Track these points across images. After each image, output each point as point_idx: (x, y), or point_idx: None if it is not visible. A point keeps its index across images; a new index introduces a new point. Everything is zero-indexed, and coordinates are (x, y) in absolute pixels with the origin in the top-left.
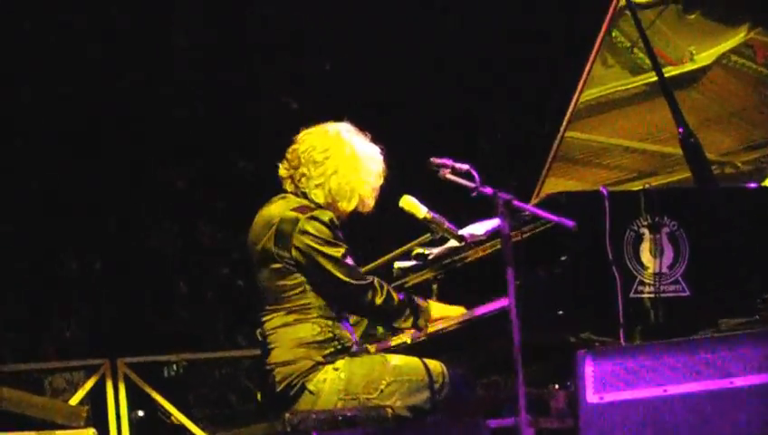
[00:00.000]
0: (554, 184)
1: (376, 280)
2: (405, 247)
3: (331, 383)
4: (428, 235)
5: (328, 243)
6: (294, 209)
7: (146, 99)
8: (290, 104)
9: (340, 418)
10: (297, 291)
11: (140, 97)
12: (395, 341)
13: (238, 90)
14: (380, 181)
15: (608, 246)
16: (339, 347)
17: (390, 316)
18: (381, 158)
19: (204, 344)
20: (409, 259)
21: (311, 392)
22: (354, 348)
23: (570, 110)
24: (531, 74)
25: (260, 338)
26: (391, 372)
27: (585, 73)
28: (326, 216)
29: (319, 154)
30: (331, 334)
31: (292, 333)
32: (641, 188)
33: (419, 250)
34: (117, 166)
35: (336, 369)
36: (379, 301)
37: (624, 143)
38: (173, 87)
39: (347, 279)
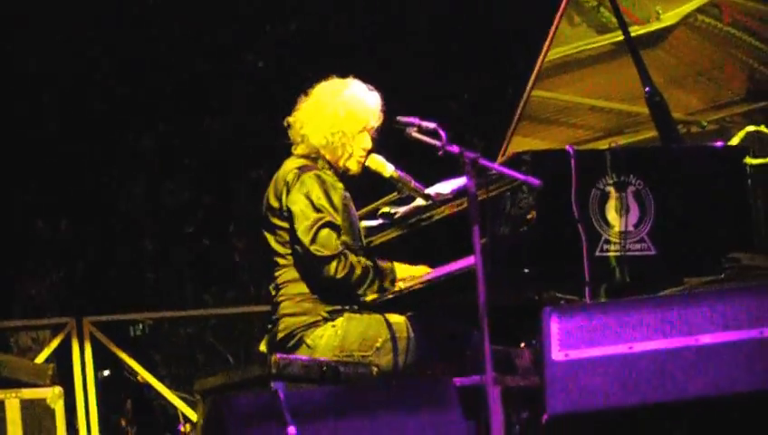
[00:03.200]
0: (521, 143)
1: (343, 252)
2: (371, 206)
3: (328, 339)
4: (395, 193)
5: (311, 205)
6: (298, 167)
7: (111, 59)
8: (256, 63)
9: (324, 368)
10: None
11: (106, 58)
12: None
13: (204, 49)
14: (375, 126)
15: (573, 205)
16: (344, 305)
17: (352, 288)
18: (377, 105)
19: (170, 304)
20: (375, 218)
21: (308, 346)
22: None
23: (536, 69)
24: (497, 34)
25: (272, 292)
26: (387, 331)
27: (551, 32)
28: (324, 176)
29: (315, 109)
30: (328, 292)
31: (300, 287)
32: (607, 147)
33: (385, 209)
34: (84, 127)
35: (334, 326)
36: (340, 274)
37: (590, 102)
38: (141, 47)
39: (309, 246)
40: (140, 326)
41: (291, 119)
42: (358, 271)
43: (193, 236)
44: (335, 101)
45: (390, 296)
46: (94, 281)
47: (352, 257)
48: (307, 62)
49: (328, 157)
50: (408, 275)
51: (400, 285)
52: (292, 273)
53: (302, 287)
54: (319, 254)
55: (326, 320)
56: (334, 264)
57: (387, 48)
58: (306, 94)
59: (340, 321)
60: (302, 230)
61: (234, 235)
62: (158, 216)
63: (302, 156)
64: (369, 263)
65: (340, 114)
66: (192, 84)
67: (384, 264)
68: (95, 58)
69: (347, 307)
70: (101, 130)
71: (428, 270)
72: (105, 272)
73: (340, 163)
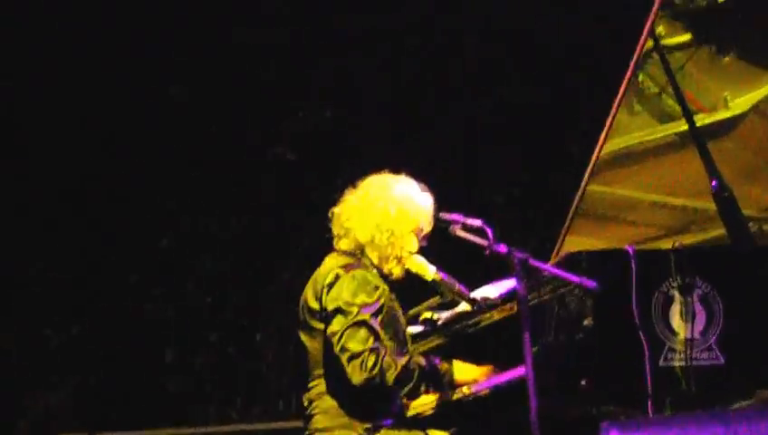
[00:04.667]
0: (575, 243)
1: (374, 348)
2: (413, 311)
3: None
4: (437, 298)
5: (348, 304)
6: (341, 266)
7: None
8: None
9: None
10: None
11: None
12: (417, 404)
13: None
14: (427, 230)
15: (634, 310)
16: (382, 419)
17: (390, 391)
18: (430, 207)
19: (192, 419)
20: (417, 324)
21: None
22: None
23: (592, 161)
24: (549, 121)
25: (305, 404)
26: None
27: (609, 121)
28: (368, 276)
29: (363, 203)
30: (371, 405)
31: (331, 401)
32: (671, 247)
33: (427, 314)
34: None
35: None
36: (367, 374)
37: (652, 198)
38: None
39: (336, 345)
40: None
41: (336, 209)
42: (393, 370)
43: (217, 344)
44: (386, 196)
45: (432, 410)
46: (108, 393)
47: (388, 357)
48: (341, 153)
49: (372, 255)
50: (469, 376)
51: (464, 391)
52: (325, 384)
53: (334, 400)
54: (346, 353)
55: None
56: (360, 361)
57: (426, 135)
58: (354, 186)
59: None
60: (334, 331)
61: (261, 342)
62: (180, 320)
63: (345, 252)
64: (415, 362)
65: (390, 212)
66: (218, 175)
67: (441, 363)
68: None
69: (386, 422)
70: (114, 222)
71: (489, 370)
72: (121, 383)
73: (384, 265)
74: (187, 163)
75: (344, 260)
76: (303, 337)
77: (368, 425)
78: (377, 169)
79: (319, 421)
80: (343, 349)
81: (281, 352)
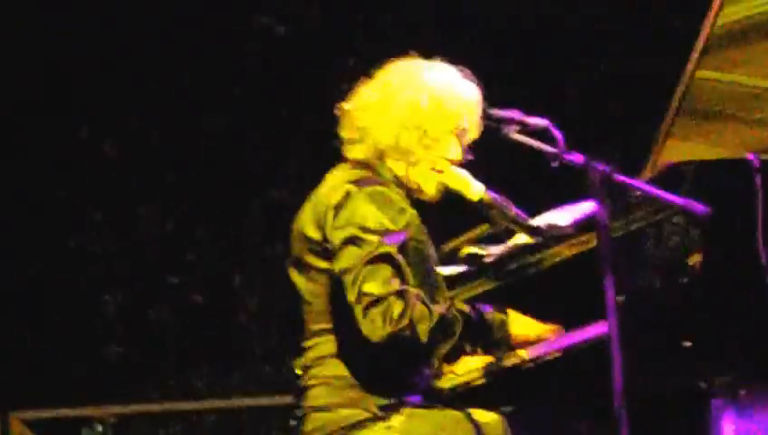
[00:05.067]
0: (678, 150)
1: (401, 291)
2: (450, 245)
3: None
4: (485, 226)
5: (366, 232)
6: (353, 181)
7: None
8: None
9: None
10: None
11: None
12: (460, 372)
13: None
14: (472, 134)
15: (760, 245)
16: (407, 393)
17: (423, 351)
18: (476, 100)
19: (144, 393)
20: (456, 263)
21: None
22: (416, 397)
23: (702, 37)
24: None
25: (299, 372)
26: (469, 433)
27: None
28: (388, 193)
29: (383, 95)
30: (394, 373)
31: (340, 368)
32: None
33: (471, 249)
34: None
35: (389, 427)
36: (391, 327)
37: None
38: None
39: (351, 288)
40: (99, 427)
41: (347, 105)
42: (428, 321)
43: (179, 290)
44: (416, 83)
45: (478, 380)
46: (27, 360)
47: (420, 304)
48: (355, 23)
49: (397, 165)
50: (530, 332)
51: (522, 354)
52: (331, 344)
53: (341, 368)
54: (364, 299)
55: (377, 418)
56: (382, 309)
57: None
58: (369, 76)
59: (397, 420)
60: (345, 268)
61: (241, 288)
62: (128, 257)
63: (358, 162)
64: (457, 312)
65: (421, 103)
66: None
67: (492, 313)
68: None
69: (413, 398)
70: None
71: (555, 329)
72: (44, 346)
73: (413, 179)
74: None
75: (356, 173)
76: (297, 279)
77: (385, 401)
78: (402, 51)
79: (317, 396)
80: (360, 294)
81: (266, 302)
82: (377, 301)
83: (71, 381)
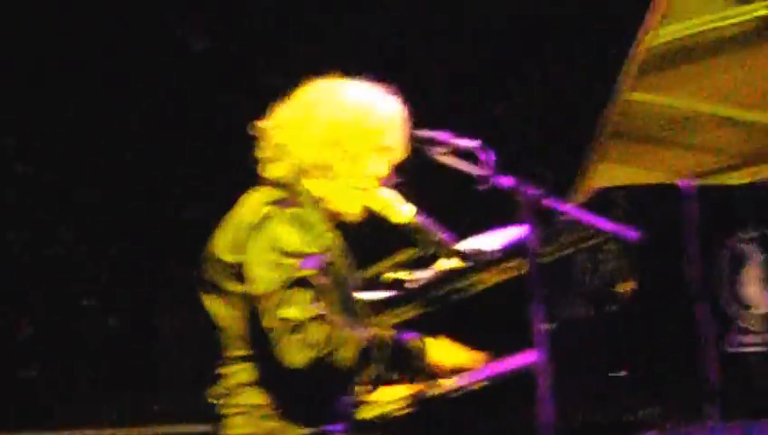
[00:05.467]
0: (609, 174)
1: (317, 317)
2: (373, 270)
3: None
4: (411, 250)
5: (283, 255)
6: (273, 202)
7: None
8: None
9: None
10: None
11: None
12: (382, 401)
13: None
14: (392, 152)
15: (689, 273)
16: (328, 422)
17: (362, 374)
18: (400, 117)
19: (46, 424)
20: (382, 288)
21: None
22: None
23: (633, 57)
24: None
25: (215, 401)
26: None
27: None
28: (305, 216)
29: (302, 112)
30: (314, 401)
31: (259, 396)
32: (748, 181)
33: (397, 274)
34: None
35: None
36: (306, 354)
37: (720, 111)
38: None
39: (273, 315)
40: None
41: (264, 123)
42: (350, 347)
43: (92, 312)
44: (334, 100)
45: (401, 410)
46: None
47: (339, 329)
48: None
49: (317, 185)
50: (451, 361)
51: (446, 384)
52: (249, 372)
53: (257, 397)
54: (281, 324)
55: None
56: (301, 335)
57: (402, 24)
58: (284, 96)
59: None
60: (263, 293)
61: (159, 308)
62: (39, 277)
63: (277, 183)
64: (380, 337)
65: (340, 119)
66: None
67: (412, 341)
68: None
69: (335, 427)
70: None
71: (482, 357)
72: None
73: (334, 198)
74: None
75: (275, 194)
76: (212, 304)
77: (305, 431)
78: (321, 70)
79: (235, 425)
80: (279, 319)
81: (187, 323)
82: (296, 326)
83: None
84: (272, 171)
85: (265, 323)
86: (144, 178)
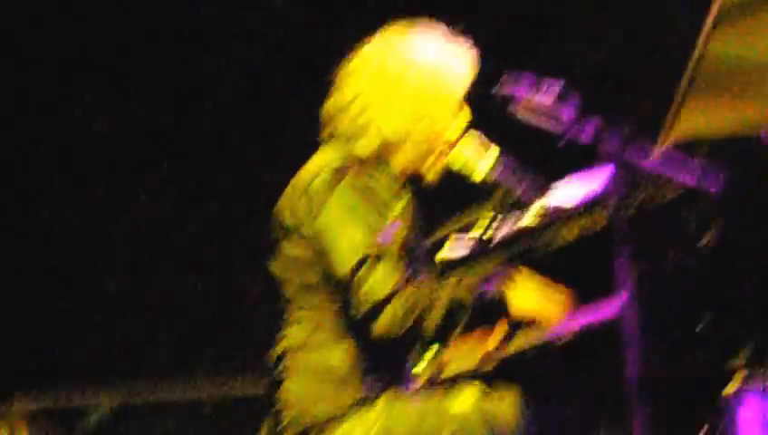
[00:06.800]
0: (692, 126)
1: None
2: (452, 225)
3: None
4: (489, 206)
5: (362, 225)
6: (335, 169)
7: None
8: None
9: None
10: (323, 293)
11: None
12: (451, 359)
13: None
14: (461, 111)
15: None
16: (378, 384)
17: (447, 335)
18: (470, 65)
19: (141, 381)
20: (459, 246)
21: None
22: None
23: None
24: None
25: (273, 361)
26: (451, 425)
27: None
28: (374, 184)
29: (381, 83)
30: (368, 363)
31: (314, 360)
32: None
33: (475, 231)
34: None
35: (370, 419)
36: (430, 326)
37: None
38: None
39: (353, 288)
40: (94, 415)
41: (341, 100)
42: (437, 311)
43: (175, 273)
44: (415, 64)
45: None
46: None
47: (422, 294)
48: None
49: (401, 158)
50: (529, 307)
51: (528, 338)
52: (302, 334)
53: (315, 360)
54: (363, 305)
55: (357, 406)
56: (389, 314)
57: None
58: (348, 59)
59: (375, 413)
60: (347, 274)
61: (242, 271)
62: (125, 241)
63: (336, 147)
64: (459, 298)
65: (427, 93)
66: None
67: (491, 294)
68: None
69: (392, 383)
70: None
71: (559, 299)
72: (36, 331)
73: (416, 165)
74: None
75: (339, 157)
76: (277, 267)
77: (363, 394)
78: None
79: (292, 389)
80: (364, 294)
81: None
82: (380, 306)
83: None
84: (358, 149)
85: (353, 302)
86: (226, 144)
